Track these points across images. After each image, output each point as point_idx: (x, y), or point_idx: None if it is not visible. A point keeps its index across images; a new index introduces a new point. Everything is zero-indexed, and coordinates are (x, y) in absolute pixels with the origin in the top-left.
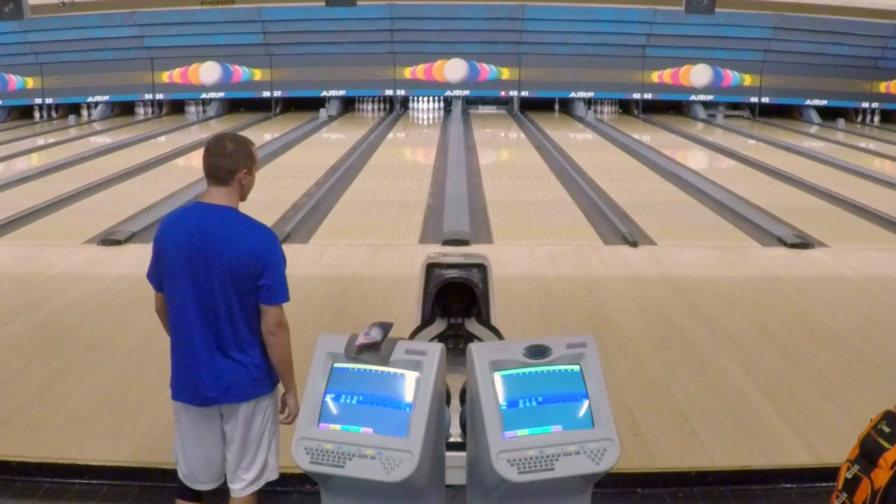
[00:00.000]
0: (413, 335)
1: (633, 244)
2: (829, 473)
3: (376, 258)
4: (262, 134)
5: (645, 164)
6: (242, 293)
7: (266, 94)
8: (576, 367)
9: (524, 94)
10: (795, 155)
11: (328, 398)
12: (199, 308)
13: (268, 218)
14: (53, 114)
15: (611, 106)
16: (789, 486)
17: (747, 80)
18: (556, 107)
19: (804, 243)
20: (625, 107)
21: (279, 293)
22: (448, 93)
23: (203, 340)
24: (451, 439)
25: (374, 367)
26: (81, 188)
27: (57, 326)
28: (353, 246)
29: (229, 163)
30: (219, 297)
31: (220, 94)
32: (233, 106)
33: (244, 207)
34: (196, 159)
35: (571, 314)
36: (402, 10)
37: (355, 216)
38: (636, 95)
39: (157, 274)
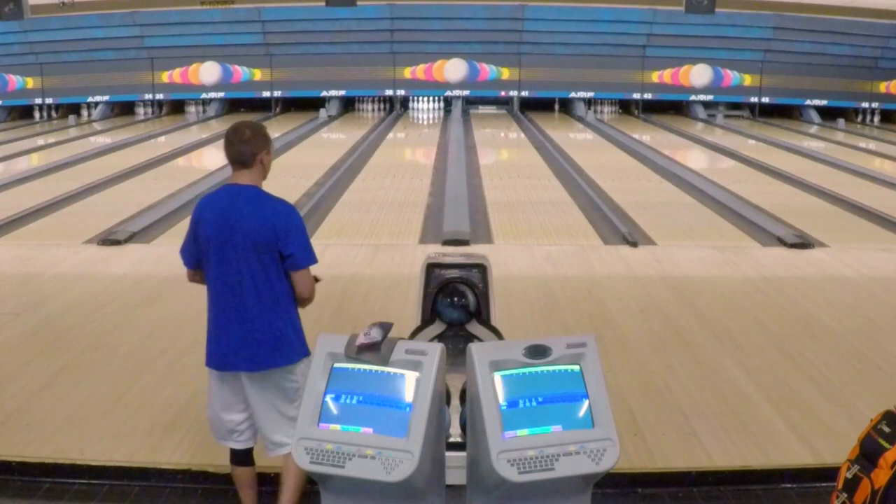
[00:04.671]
0: (413, 335)
1: (633, 244)
2: (829, 473)
3: (376, 258)
4: None
5: (645, 164)
6: (265, 263)
7: (266, 94)
8: (576, 367)
9: (524, 94)
10: (795, 155)
11: (328, 398)
12: (225, 280)
13: None
14: (53, 114)
15: (611, 106)
16: (789, 486)
17: (747, 80)
18: (556, 107)
19: (804, 243)
20: (625, 107)
21: (305, 257)
22: (448, 93)
23: (228, 311)
24: (451, 439)
25: (374, 367)
26: (81, 188)
27: (57, 326)
28: (353, 246)
29: (250, 147)
30: (243, 268)
31: (220, 94)
32: (233, 106)
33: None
34: (196, 159)
35: (571, 314)
36: (402, 10)
37: (355, 216)
38: (636, 95)
39: (192, 251)
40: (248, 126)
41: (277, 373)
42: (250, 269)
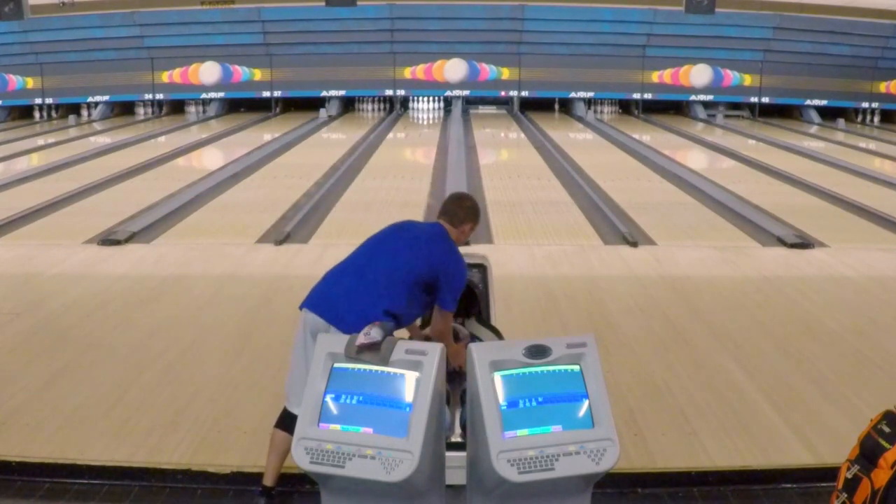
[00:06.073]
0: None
1: (633, 244)
2: (829, 473)
3: None
4: (262, 134)
5: (645, 164)
6: (413, 274)
7: (266, 94)
8: (576, 367)
9: (524, 94)
10: (795, 155)
11: (328, 398)
12: (380, 259)
13: (268, 218)
14: (53, 114)
15: (611, 106)
16: (789, 486)
17: (747, 80)
18: (556, 107)
19: (804, 243)
20: (625, 107)
21: (453, 300)
22: (448, 93)
23: (358, 279)
24: (451, 439)
25: (374, 367)
26: (81, 188)
27: (57, 326)
28: (354, 246)
29: (465, 214)
30: (401, 267)
31: (220, 94)
32: (233, 106)
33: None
34: (196, 159)
35: (571, 314)
36: (402, 10)
37: (355, 216)
38: (636, 95)
39: None
40: (471, 201)
41: None
42: (399, 267)
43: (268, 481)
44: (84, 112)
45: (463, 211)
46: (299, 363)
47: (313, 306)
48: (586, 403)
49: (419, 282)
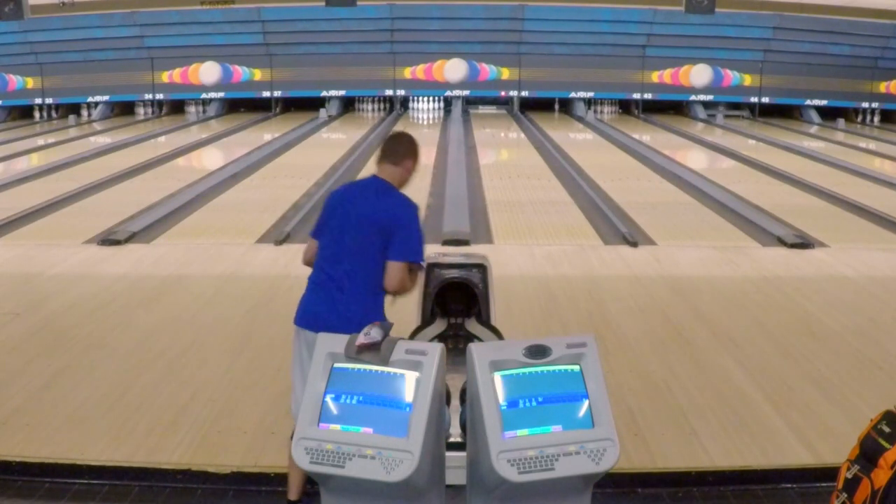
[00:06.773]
0: (413, 335)
1: (633, 244)
2: (829, 473)
3: None
4: (262, 134)
5: (645, 164)
6: (367, 247)
7: (266, 94)
8: (576, 367)
9: (524, 94)
10: (795, 155)
11: (328, 398)
12: (330, 251)
13: (268, 218)
14: (53, 114)
15: (611, 106)
16: (789, 486)
17: (747, 80)
18: (556, 107)
19: (804, 243)
20: (625, 107)
21: (400, 252)
22: (448, 93)
23: (325, 280)
24: (451, 439)
25: (374, 367)
26: (81, 188)
27: (57, 326)
28: None
29: (404, 150)
30: (348, 247)
31: (220, 94)
32: (233, 106)
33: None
34: (196, 159)
35: (571, 314)
36: (402, 10)
37: None
38: (636, 95)
39: (320, 226)
40: (408, 136)
41: None
42: (354, 249)
43: (292, 496)
44: (84, 112)
45: (402, 146)
46: (301, 378)
47: (307, 325)
48: (586, 403)
49: (381, 248)
